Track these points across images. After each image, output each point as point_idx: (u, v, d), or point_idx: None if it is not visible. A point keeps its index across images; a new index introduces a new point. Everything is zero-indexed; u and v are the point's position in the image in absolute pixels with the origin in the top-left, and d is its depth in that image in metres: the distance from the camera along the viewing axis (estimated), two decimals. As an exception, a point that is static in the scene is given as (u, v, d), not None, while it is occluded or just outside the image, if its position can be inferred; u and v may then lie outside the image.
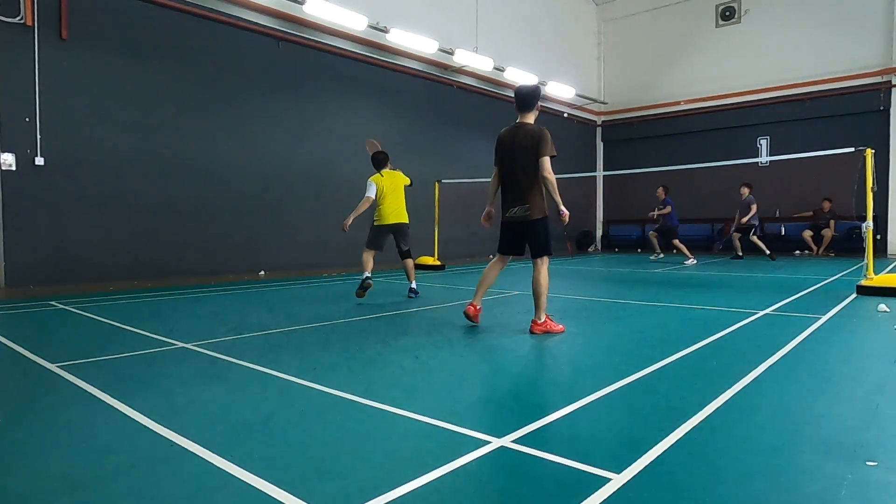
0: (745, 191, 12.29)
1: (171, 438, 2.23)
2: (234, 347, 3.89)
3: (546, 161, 4.39)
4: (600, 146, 18.50)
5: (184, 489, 1.82)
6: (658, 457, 2.02)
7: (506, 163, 4.53)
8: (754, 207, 12.09)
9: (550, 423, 2.38)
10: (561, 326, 4.51)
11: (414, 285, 6.77)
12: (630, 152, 17.20)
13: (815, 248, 13.59)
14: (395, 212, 6.70)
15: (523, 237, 4.57)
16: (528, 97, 4.55)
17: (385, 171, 6.89)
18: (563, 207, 4.51)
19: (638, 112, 17.34)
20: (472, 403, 2.79)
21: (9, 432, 2.36)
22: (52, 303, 6.01)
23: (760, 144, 15.18)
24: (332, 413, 2.58)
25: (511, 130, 4.58)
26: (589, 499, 1.71)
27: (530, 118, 4.57)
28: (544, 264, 4.48)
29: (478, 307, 4.69)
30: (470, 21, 13.19)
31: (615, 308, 5.81)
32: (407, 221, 6.77)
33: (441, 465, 1.94)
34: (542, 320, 4.42)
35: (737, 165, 12.88)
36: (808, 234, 13.72)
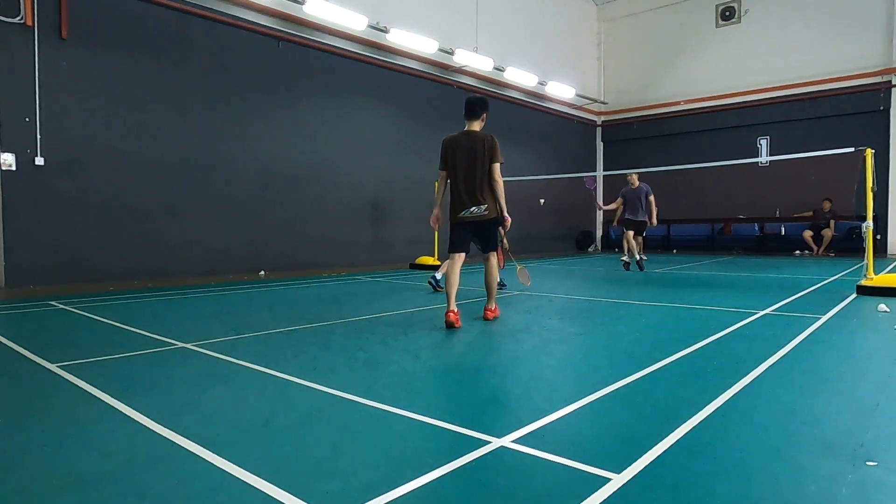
0: (636, 177, 10.16)
1: (171, 438, 2.23)
2: (235, 347, 3.89)
3: (497, 167, 4.76)
4: (600, 146, 18.51)
5: (184, 489, 1.82)
6: (658, 457, 2.02)
7: (459, 167, 4.79)
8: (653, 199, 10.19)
9: (550, 423, 2.39)
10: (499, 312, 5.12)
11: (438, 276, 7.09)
12: (630, 152, 17.20)
13: (815, 248, 13.59)
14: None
15: (476, 234, 4.92)
16: (476, 106, 4.87)
17: None
18: (506, 213, 4.89)
19: (638, 112, 17.34)
20: (472, 403, 2.79)
21: (9, 432, 2.36)
22: (52, 303, 6.01)
23: (760, 144, 15.18)
24: (332, 413, 2.58)
25: (462, 137, 4.84)
26: (589, 499, 1.71)
27: (477, 126, 4.88)
28: (495, 258, 4.99)
29: (456, 312, 4.66)
30: (470, 21, 13.19)
31: (615, 308, 5.81)
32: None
33: (441, 465, 1.95)
34: (494, 307, 4.94)
35: (737, 165, 12.90)
36: (808, 234, 13.72)
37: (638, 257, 9.92)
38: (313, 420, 2.49)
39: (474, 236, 4.93)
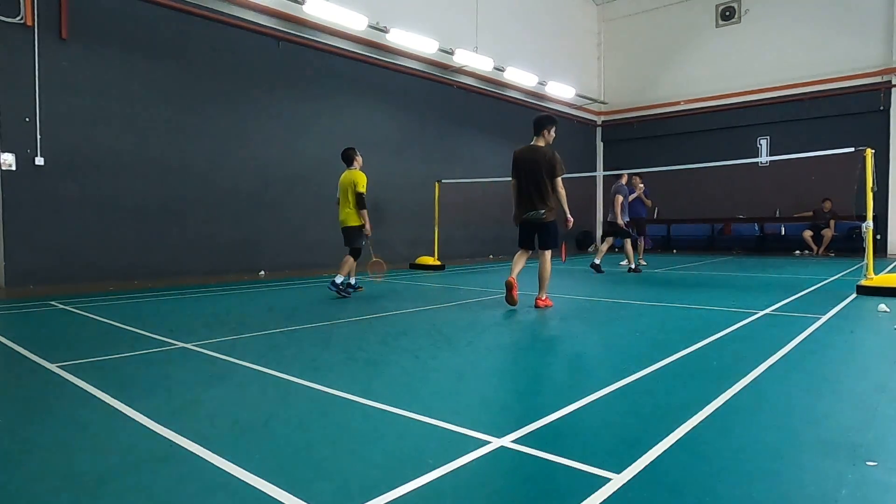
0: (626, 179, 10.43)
1: (171, 438, 2.23)
2: (235, 347, 3.89)
3: (559, 180, 5.60)
4: (600, 146, 18.51)
5: (184, 489, 1.82)
6: (658, 457, 2.02)
7: (523, 176, 5.65)
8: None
9: (550, 423, 2.38)
10: (551, 302, 5.79)
11: (339, 280, 6.58)
12: (630, 152, 17.19)
13: (815, 248, 13.59)
14: (341, 215, 6.95)
15: (538, 233, 5.74)
16: (538, 124, 5.75)
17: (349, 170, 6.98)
18: (569, 216, 5.72)
19: (638, 112, 17.34)
20: (472, 403, 2.79)
21: (9, 432, 2.36)
22: (52, 303, 6.01)
23: (760, 144, 15.19)
24: (333, 413, 2.58)
25: (527, 150, 5.72)
26: (589, 499, 1.71)
27: (541, 141, 5.71)
28: (549, 254, 5.78)
29: (514, 279, 5.55)
30: (470, 21, 13.19)
31: (615, 308, 5.82)
32: (351, 225, 6.86)
33: (441, 465, 1.95)
34: (544, 297, 5.69)
35: (737, 165, 12.89)
36: (808, 234, 13.72)
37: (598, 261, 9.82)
38: (313, 420, 2.49)
39: (535, 234, 5.74)
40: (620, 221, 9.78)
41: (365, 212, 6.77)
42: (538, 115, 5.80)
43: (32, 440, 2.27)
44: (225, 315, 5.39)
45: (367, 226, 6.84)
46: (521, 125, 15.16)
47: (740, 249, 15.06)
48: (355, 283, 6.94)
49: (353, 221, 6.82)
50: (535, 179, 5.58)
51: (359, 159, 7.02)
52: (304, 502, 1.71)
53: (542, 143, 5.70)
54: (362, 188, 6.72)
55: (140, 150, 8.09)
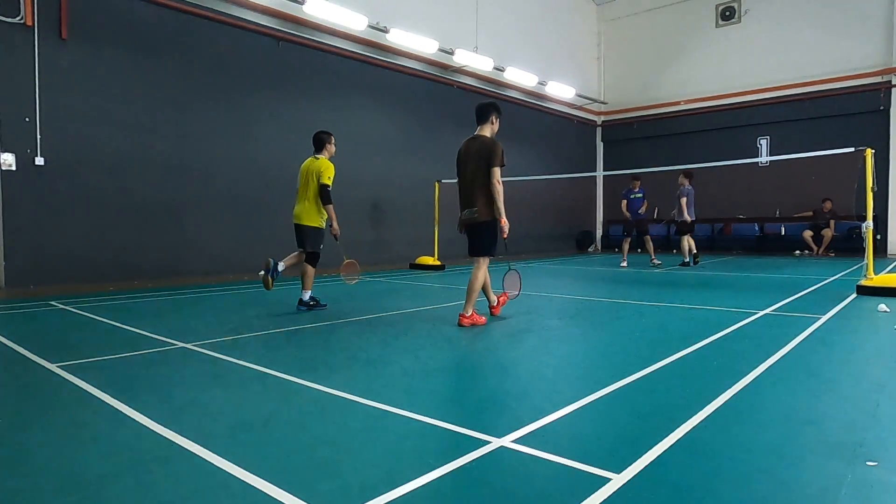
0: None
1: (171, 438, 2.23)
2: (235, 347, 3.89)
3: (496, 171, 4.73)
4: (600, 146, 18.50)
5: (184, 489, 1.82)
6: (658, 457, 2.02)
7: (462, 171, 4.95)
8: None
9: (550, 423, 2.39)
10: (483, 319, 4.86)
11: (305, 297, 5.72)
12: (630, 152, 17.19)
13: (815, 248, 13.59)
14: (297, 209, 6.05)
15: (469, 236, 4.97)
16: (482, 110, 5.03)
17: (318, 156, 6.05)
18: (503, 218, 4.77)
19: (638, 112, 17.33)
20: (472, 403, 2.79)
21: (9, 432, 2.36)
22: (52, 303, 6.01)
23: (760, 144, 15.18)
24: (333, 413, 2.58)
25: (469, 142, 5.00)
26: (589, 499, 1.71)
27: (486, 131, 4.98)
28: (483, 264, 4.90)
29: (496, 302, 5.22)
30: (470, 21, 13.19)
31: (615, 308, 5.81)
32: (307, 224, 5.96)
33: (441, 465, 1.95)
34: (469, 314, 4.74)
35: (737, 165, 12.87)
36: (808, 234, 13.71)
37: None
38: (313, 420, 2.49)
39: (469, 237, 4.98)
40: (687, 218, 11.09)
41: (331, 207, 5.82)
42: (481, 102, 5.13)
43: (32, 440, 2.27)
44: (225, 315, 5.40)
45: (335, 224, 5.91)
46: (522, 125, 15.17)
47: (740, 249, 15.05)
48: (308, 298, 5.77)
49: (311, 220, 5.91)
50: (471, 173, 4.82)
51: (331, 147, 6.09)
52: (304, 502, 1.71)
53: (486, 133, 4.94)
54: (327, 180, 5.78)
55: (140, 150, 8.09)
